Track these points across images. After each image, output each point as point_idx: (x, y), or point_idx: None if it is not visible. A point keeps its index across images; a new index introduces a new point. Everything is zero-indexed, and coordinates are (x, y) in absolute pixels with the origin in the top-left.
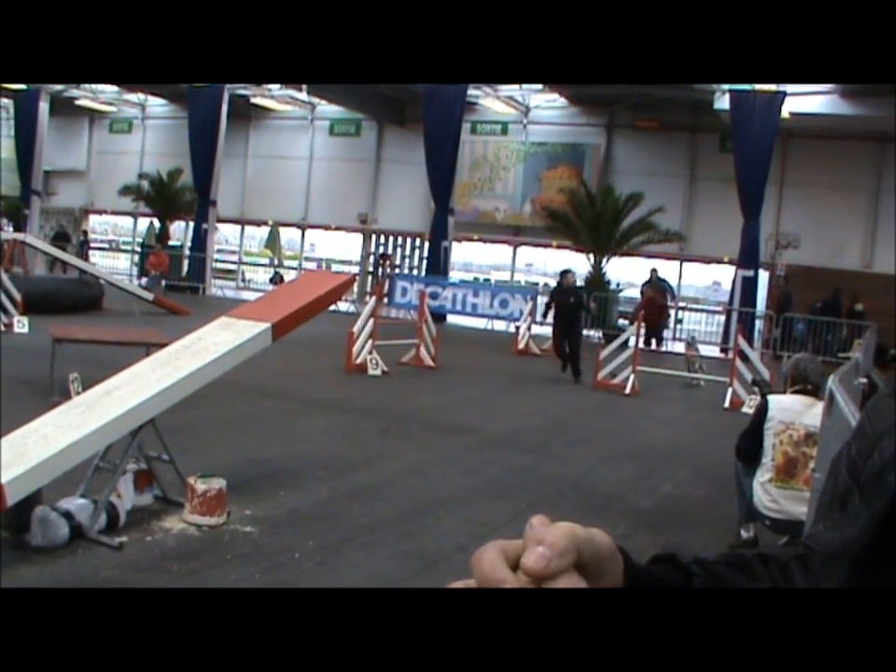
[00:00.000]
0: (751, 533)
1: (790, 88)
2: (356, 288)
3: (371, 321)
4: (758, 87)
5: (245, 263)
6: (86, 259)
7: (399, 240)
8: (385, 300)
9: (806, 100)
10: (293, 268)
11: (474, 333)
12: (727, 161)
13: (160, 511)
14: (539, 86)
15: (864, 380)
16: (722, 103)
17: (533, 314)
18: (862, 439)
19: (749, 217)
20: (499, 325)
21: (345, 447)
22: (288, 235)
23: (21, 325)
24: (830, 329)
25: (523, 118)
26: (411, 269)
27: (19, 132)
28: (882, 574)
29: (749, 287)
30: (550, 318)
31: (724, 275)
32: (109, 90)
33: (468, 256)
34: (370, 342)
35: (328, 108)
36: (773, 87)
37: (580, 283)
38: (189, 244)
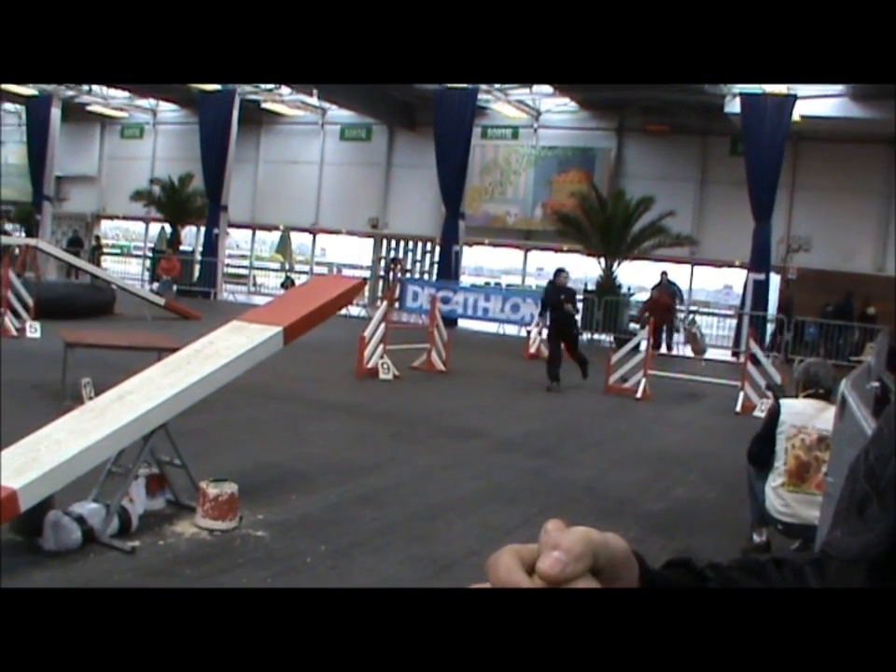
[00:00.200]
0: (764, 537)
1: (800, 91)
2: (367, 293)
3: (383, 325)
4: (768, 90)
5: (256, 268)
6: (98, 264)
7: (410, 244)
8: (396, 304)
9: (817, 103)
10: (304, 272)
11: (485, 337)
12: (738, 164)
13: (172, 516)
14: (550, 90)
15: (877, 383)
16: (733, 106)
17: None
18: (881, 445)
19: (760, 220)
20: (510, 329)
21: (356, 451)
22: (299, 240)
23: (33, 330)
24: (842, 332)
25: (533, 122)
26: (422, 273)
27: (31, 137)
28: None
29: (761, 290)
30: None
31: (736, 279)
32: (120, 95)
33: (478, 260)
34: (381, 346)
35: (338, 113)
36: (783, 90)
37: (591, 287)
38: (200, 248)
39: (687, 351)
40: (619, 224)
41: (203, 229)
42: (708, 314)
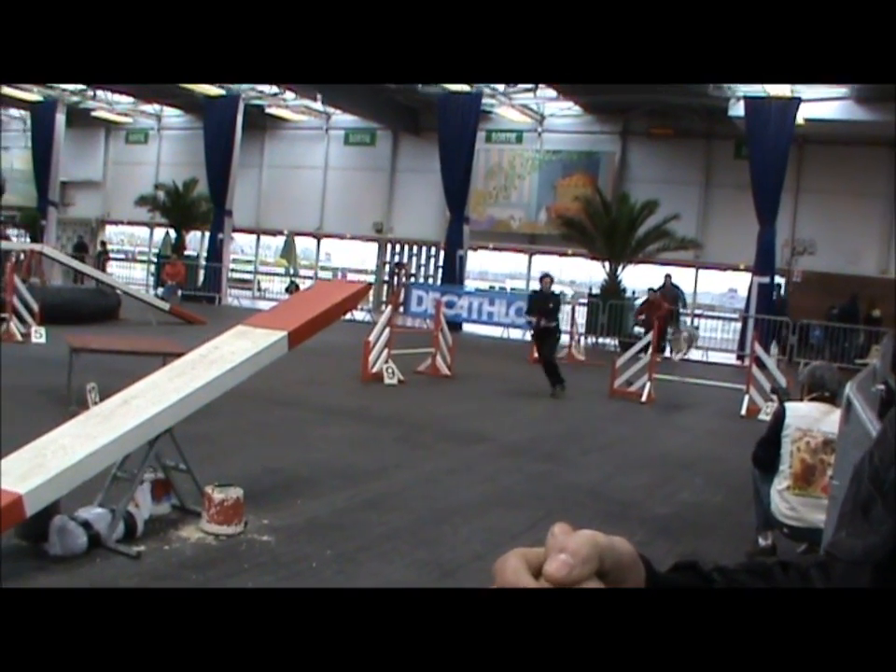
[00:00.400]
0: (769, 541)
1: (804, 94)
2: (371, 297)
3: (387, 330)
4: (772, 93)
5: (261, 273)
6: (104, 269)
7: (415, 249)
8: (401, 309)
9: (821, 106)
10: (309, 277)
11: (490, 342)
12: (742, 167)
13: (177, 521)
14: (554, 94)
15: (882, 386)
16: (737, 109)
17: None
18: (885, 447)
19: (765, 223)
20: (515, 333)
21: (362, 456)
22: (304, 245)
23: (38, 335)
24: (847, 335)
25: (537, 126)
26: (426, 278)
27: (36, 143)
28: None
29: (766, 293)
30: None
31: (740, 282)
32: (125, 100)
33: (483, 264)
34: (386, 350)
35: (342, 118)
36: (787, 93)
37: (596, 290)
38: (204, 254)
39: (692, 354)
40: (623, 228)
41: (207, 234)
42: (713, 317)
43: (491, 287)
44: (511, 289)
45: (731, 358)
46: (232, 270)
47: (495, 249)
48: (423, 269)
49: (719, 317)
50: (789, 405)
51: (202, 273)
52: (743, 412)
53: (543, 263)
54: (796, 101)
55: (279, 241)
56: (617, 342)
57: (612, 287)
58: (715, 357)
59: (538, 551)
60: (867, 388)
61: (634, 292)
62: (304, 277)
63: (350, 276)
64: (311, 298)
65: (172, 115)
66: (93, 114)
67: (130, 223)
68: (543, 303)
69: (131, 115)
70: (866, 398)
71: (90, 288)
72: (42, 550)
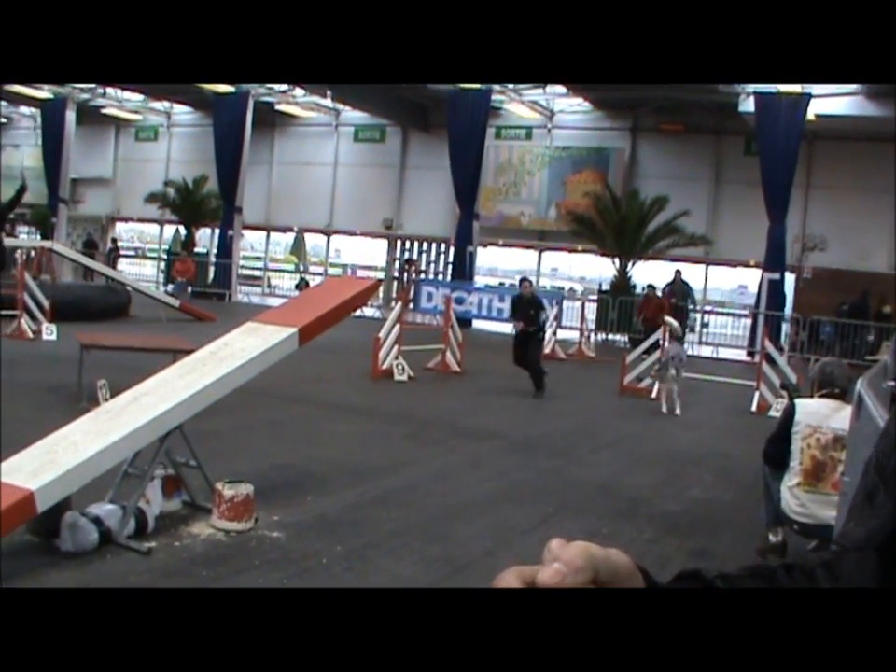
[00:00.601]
0: (780, 537)
1: (815, 90)
2: (381, 294)
3: (397, 326)
4: (783, 89)
5: (271, 269)
6: (115, 266)
7: (425, 245)
8: (411, 305)
9: (832, 102)
10: (318, 274)
11: (500, 338)
12: (752, 163)
13: (188, 517)
14: (563, 90)
15: (893, 383)
16: (747, 105)
17: (559, 318)
18: (888, 438)
19: (775, 219)
20: None
21: (372, 452)
22: (314, 241)
23: (49, 332)
24: (857, 331)
25: (547, 122)
26: (436, 274)
27: (46, 140)
28: None
29: (776, 290)
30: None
31: (750, 279)
32: (135, 98)
33: (493, 261)
34: (395, 347)
35: (352, 114)
36: (798, 89)
37: (606, 287)
38: (214, 250)
39: (702, 351)
40: (633, 224)
41: (217, 231)
42: (723, 313)
43: (501, 284)
44: None
45: (741, 355)
46: (242, 266)
47: (504, 246)
48: (433, 265)
49: (729, 314)
50: (799, 402)
51: (212, 269)
52: (753, 408)
53: (553, 260)
54: (806, 97)
55: (289, 237)
56: (627, 338)
57: (622, 284)
58: (725, 353)
59: (534, 568)
60: (878, 385)
61: (644, 288)
62: (314, 274)
63: (360, 273)
64: (321, 294)
65: (181, 112)
66: (103, 111)
67: (140, 220)
68: (525, 309)
69: (140, 112)
70: (877, 394)
71: (100, 285)
72: (53, 546)
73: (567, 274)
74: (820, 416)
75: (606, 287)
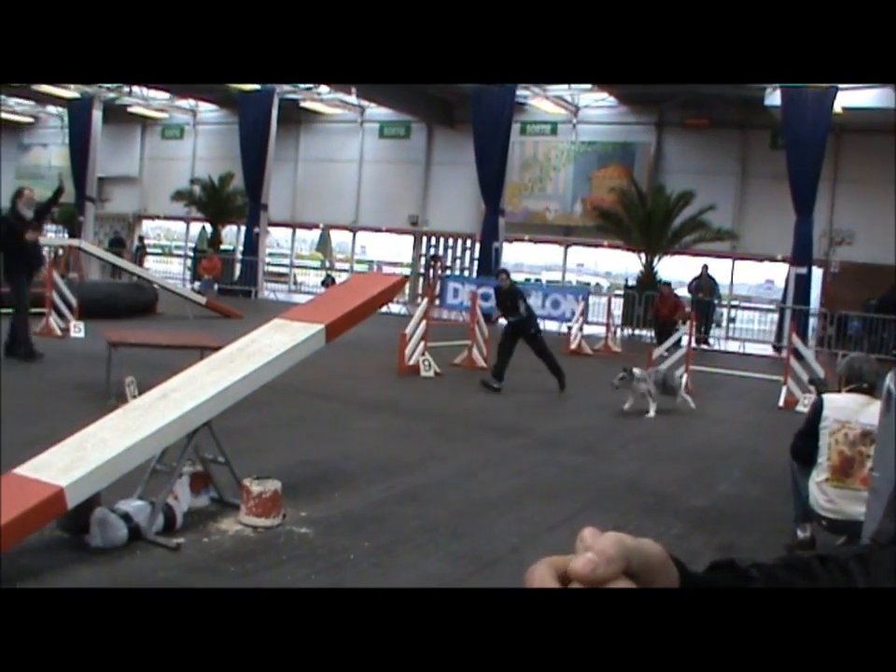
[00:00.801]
0: (808, 533)
1: (841, 83)
2: (407, 290)
3: (423, 323)
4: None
5: (297, 266)
6: (141, 264)
7: (450, 241)
8: (437, 301)
9: (859, 94)
10: (344, 270)
11: None
12: (779, 157)
13: (216, 513)
14: (588, 85)
15: None
16: (773, 99)
17: (585, 314)
18: None
19: (802, 214)
20: (551, 325)
21: (399, 448)
22: (339, 238)
23: (77, 330)
24: (885, 326)
25: (572, 117)
26: (462, 270)
27: (73, 139)
28: None
29: (803, 284)
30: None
31: (777, 273)
32: (161, 96)
33: (518, 256)
34: (422, 343)
35: (377, 111)
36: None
37: (632, 282)
38: (240, 247)
39: (729, 346)
40: (659, 219)
41: (243, 228)
42: (750, 308)
43: (527, 280)
44: (548, 282)
45: (768, 350)
46: (268, 263)
47: (530, 241)
48: (458, 261)
49: (755, 308)
50: (826, 397)
51: (238, 266)
52: (780, 403)
53: (579, 255)
54: (833, 90)
55: (315, 234)
56: (653, 333)
57: (648, 279)
58: (752, 348)
59: (567, 557)
60: None
61: (670, 283)
62: (340, 270)
63: (385, 269)
64: (347, 291)
65: (207, 110)
66: (129, 110)
67: (166, 218)
68: (503, 300)
69: (166, 110)
70: None
71: (127, 283)
72: (83, 541)
73: (592, 270)
74: (849, 411)
75: (632, 282)
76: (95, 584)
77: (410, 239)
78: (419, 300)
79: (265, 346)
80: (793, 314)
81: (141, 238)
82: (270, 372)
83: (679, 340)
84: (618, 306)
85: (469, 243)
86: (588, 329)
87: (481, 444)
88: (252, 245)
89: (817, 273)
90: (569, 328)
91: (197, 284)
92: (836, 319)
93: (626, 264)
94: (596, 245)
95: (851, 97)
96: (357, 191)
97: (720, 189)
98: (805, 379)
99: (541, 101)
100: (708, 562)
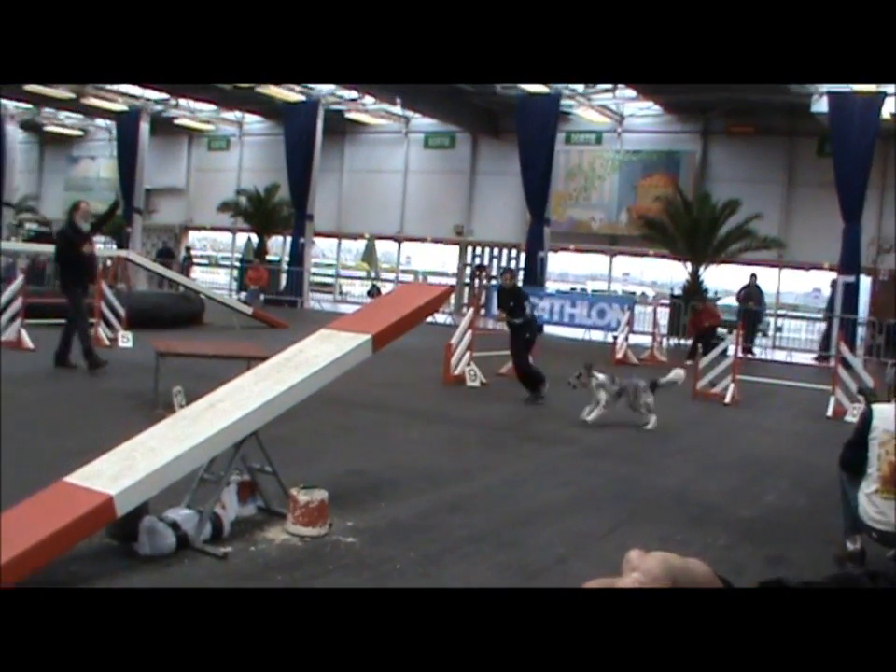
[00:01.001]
0: (858, 545)
1: (890, 88)
2: (453, 300)
3: (469, 332)
4: (857, 88)
5: (342, 276)
6: (188, 275)
7: (496, 251)
8: (483, 311)
9: None
10: (390, 280)
11: (571, 344)
12: (826, 164)
13: (262, 522)
14: (633, 94)
15: None
16: (820, 105)
17: (631, 323)
18: None
19: (850, 221)
20: (597, 335)
21: (444, 458)
22: (385, 248)
23: (125, 340)
24: None
25: (617, 126)
26: None
27: (121, 152)
28: None
29: (851, 292)
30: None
31: (824, 282)
32: (207, 108)
33: (563, 266)
34: (467, 353)
35: (422, 121)
36: (872, 87)
37: (677, 291)
38: (286, 258)
39: (776, 355)
40: (705, 228)
41: (289, 238)
42: (797, 317)
43: (572, 289)
44: (593, 291)
45: (811, 359)
46: (314, 273)
47: (575, 251)
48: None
49: (802, 317)
50: (875, 407)
51: (284, 277)
52: (829, 413)
53: (624, 264)
54: (881, 95)
55: (360, 244)
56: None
57: (694, 288)
58: (798, 357)
59: (614, 579)
60: None
61: (716, 293)
62: (385, 281)
63: (431, 279)
64: (394, 301)
65: (253, 121)
66: (176, 122)
67: (213, 229)
68: (505, 300)
69: (212, 122)
70: None
71: (174, 293)
72: (132, 549)
73: (638, 279)
74: None
75: (678, 291)
76: None
77: (455, 249)
78: (464, 309)
79: (312, 356)
80: (841, 322)
81: (188, 249)
82: (316, 382)
83: (725, 350)
84: (664, 316)
85: (514, 252)
86: (634, 339)
87: (527, 454)
88: (298, 255)
89: (865, 282)
90: (615, 337)
91: (243, 294)
92: (885, 328)
93: (672, 273)
94: (642, 255)
95: None
96: (403, 201)
97: (766, 198)
98: (853, 389)
99: (586, 110)
100: (756, 574)
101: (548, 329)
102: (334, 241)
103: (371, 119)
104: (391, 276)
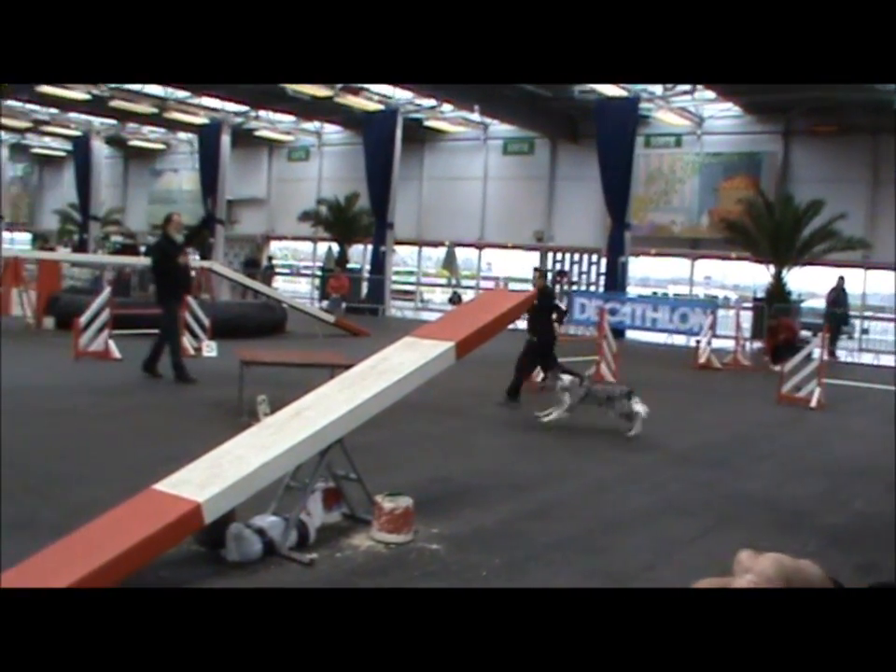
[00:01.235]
0: None
1: None
2: None
3: None
4: None
5: (423, 284)
6: (270, 284)
7: (576, 256)
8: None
9: None
10: (470, 287)
11: (654, 348)
12: None
13: (348, 529)
14: (712, 95)
15: None
16: None
17: (713, 328)
18: None
19: None
20: (679, 339)
21: (528, 465)
22: (465, 255)
23: (209, 349)
24: None
25: (697, 128)
26: (588, 285)
27: (203, 164)
28: None
29: None
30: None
31: None
32: (287, 119)
33: (645, 270)
34: None
35: (500, 128)
36: None
37: (761, 294)
38: (367, 266)
39: (863, 358)
40: (788, 229)
41: (370, 247)
42: (883, 319)
43: (654, 293)
44: (675, 295)
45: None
46: (395, 281)
47: (656, 255)
48: (585, 276)
49: (889, 319)
50: None
51: (365, 285)
52: None
53: (706, 268)
54: None
55: (440, 252)
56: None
57: (778, 291)
58: (886, 360)
59: (726, 580)
60: None
61: (800, 295)
62: (466, 287)
63: (512, 286)
64: (477, 308)
65: (332, 131)
66: (256, 134)
67: (294, 238)
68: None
69: (292, 133)
70: None
71: (257, 303)
72: (219, 556)
73: (720, 282)
74: None
75: (761, 294)
76: None
77: (535, 255)
78: None
79: (396, 364)
80: None
81: (270, 258)
82: (401, 390)
83: (810, 353)
84: (746, 319)
85: (594, 258)
86: (717, 343)
87: (611, 460)
88: (378, 263)
89: None
90: (698, 341)
91: (325, 302)
92: None
93: (755, 276)
94: (724, 258)
95: None
96: (482, 208)
97: (850, 197)
98: None
99: (665, 113)
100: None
101: (630, 334)
102: (415, 248)
103: (449, 127)
104: (472, 283)
